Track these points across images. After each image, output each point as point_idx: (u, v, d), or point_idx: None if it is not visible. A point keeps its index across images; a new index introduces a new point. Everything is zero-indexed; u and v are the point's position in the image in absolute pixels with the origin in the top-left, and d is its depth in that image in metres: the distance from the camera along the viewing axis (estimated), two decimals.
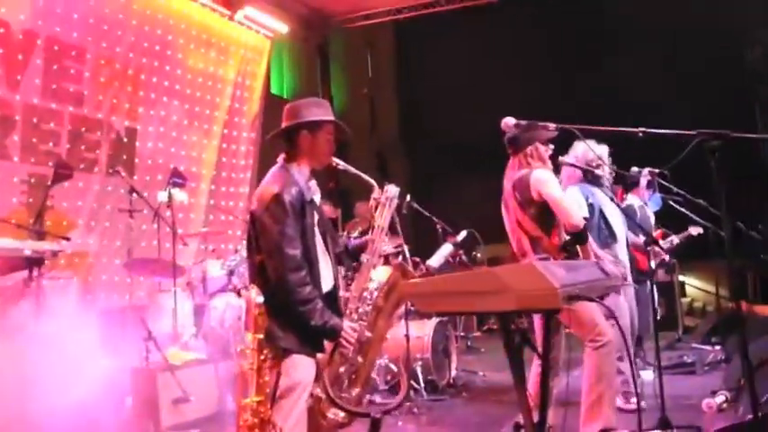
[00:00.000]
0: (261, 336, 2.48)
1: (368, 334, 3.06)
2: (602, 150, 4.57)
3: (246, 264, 6.65)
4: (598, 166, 4.53)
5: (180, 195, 6.69)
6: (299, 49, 14.96)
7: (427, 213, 6.30)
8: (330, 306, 2.99)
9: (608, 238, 4.78)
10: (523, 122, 3.22)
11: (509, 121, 3.34)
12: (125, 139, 8.05)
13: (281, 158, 3.15)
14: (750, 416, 2.78)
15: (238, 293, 5.92)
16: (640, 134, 2.74)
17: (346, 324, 2.98)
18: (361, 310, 3.09)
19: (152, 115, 8.43)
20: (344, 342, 2.95)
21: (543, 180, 3.85)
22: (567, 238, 3.82)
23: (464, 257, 3.67)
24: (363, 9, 11.32)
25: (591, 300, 2.23)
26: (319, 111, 3.15)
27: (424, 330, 5.94)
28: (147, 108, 8.37)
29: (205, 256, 6.85)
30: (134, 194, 6.12)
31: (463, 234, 3.55)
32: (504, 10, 11.21)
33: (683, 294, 10.66)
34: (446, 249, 3.38)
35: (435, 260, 3.35)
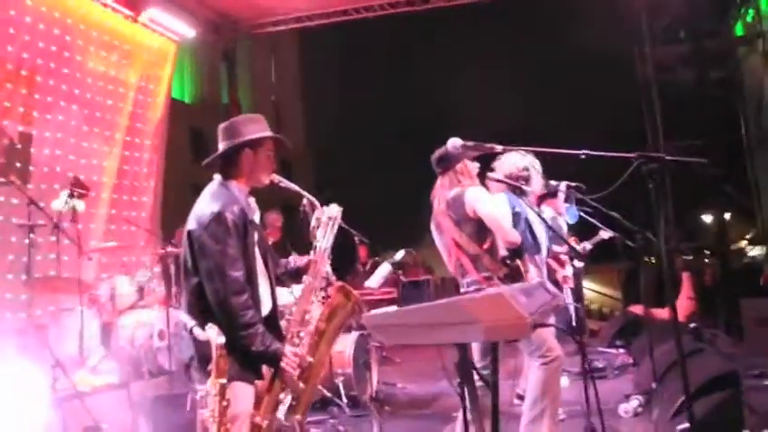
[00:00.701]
0: (223, 381, 2.33)
1: (309, 359, 2.97)
2: (532, 161, 4.64)
3: (162, 283, 6.38)
4: (525, 180, 4.61)
5: (80, 205, 6.30)
6: (202, 53, 14.57)
7: (345, 225, 6.23)
8: (270, 329, 2.89)
9: (533, 247, 4.89)
10: (470, 143, 3.22)
11: (456, 142, 3.32)
12: (19, 146, 7.47)
13: (217, 176, 3.01)
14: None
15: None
16: (582, 156, 2.80)
17: (288, 349, 2.87)
18: (302, 334, 2.99)
19: (49, 120, 7.89)
20: (286, 368, 2.85)
21: (478, 198, 3.87)
22: (506, 253, 3.87)
23: (402, 277, 3.63)
24: (271, 15, 11.11)
25: (552, 326, 2.25)
26: (257, 127, 3.03)
27: (344, 344, 5.87)
28: (43, 112, 7.82)
29: (113, 272, 6.48)
30: (31, 205, 5.68)
31: (401, 253, 3.51)
32: (414, 22, 11.32)
33: None
34: (384, 269, 3.32)
35: (374, 281, 3.28)
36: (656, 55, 12.03)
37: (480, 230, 3.86)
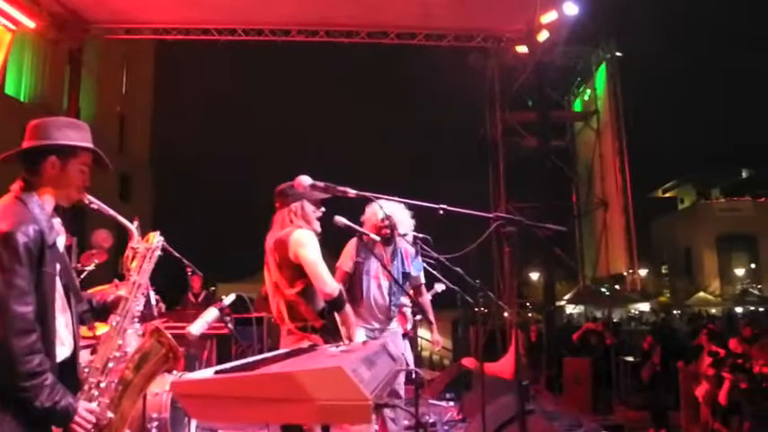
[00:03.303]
0: None
1: (110, 415, 2.44)
2: (403, 215, 4.42)
3: None
4: (383, 230, 4.38)
5: None
6: (46, 50, 13.29)
7: (176, 254, 5.66)
8: (65, 378, 2.34)
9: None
10: (320, 184, 2.89)
11: (304, 181, 2.97)
12: None
13: (15, 186, 2.43)
14: None
15: None
16: (441, 212, 2.58)
17: (82, 405, 2.33)
18: (103, 384, 2.46)
19: None
20: (78, 428, 2.31)
21: (302, 242, 3.49)
22: (323, 304, 3.53)
23: (230, 325, 3.21)
24: (127, 21, 10.32)
25: (393, 406, 1.94)
26: (75, 134, 2.50)
27: (161, 386, 5.24)
28: None
29: None
30: None
31: (231, 297, 3.09)
32: (282, 48, 10.95)
33: None
34: (210, 315, 2.88)
35: (197, 327, 2.83)
36: (505, 119, 12.52)
37: (299, 276, 3.50)
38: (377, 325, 4.67)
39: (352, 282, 4.68)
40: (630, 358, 9.62)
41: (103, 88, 16.50)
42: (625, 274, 15.93)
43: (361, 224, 4.48)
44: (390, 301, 4.68)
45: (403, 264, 4.79)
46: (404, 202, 2.76)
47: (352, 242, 4.71)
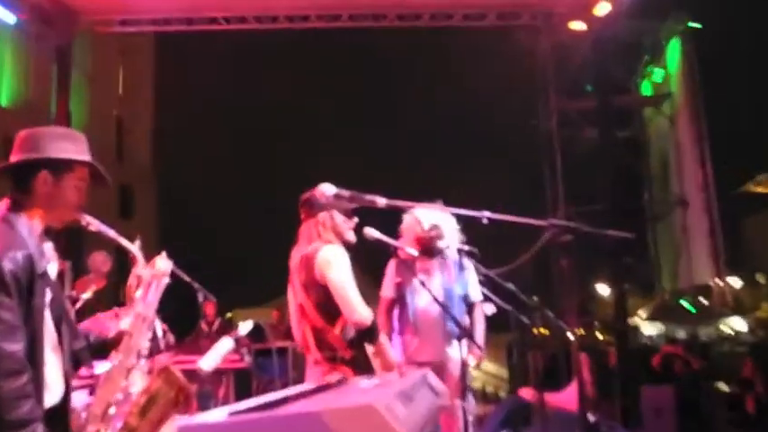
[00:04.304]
0: None
1: None
2: (446, 220, 4.38)
3: None
4: (430, 240, 4.38)
5: None
6: (30, 47, 13.62)
7: (186, 277, 5.75)
8: (55, 427, 2.38)
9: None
10: (345, 193, 2.90)
11: (327, 190, 2.98)
12: None
13: (2, 205, 2.49)
14: None
15: None
16: (485, 220, 2.58)
17: None
18: None
19: None
20: None
21: (329, 260, 3.46)
22: (353, 333, 3.50)
23: (247, 356, 3.22)
24: (121, 12, 10.53)
25: None
26: (70, 146, 2.55)
27: (172, 429, 5.32)
28: None
29: None
30: None
31: (248, 325, 3.10)
32: (300, 36, 11.10)
33: None
34: (224, 347, 2.90)
35: (208, 361, 2.85)
36: (561, 107, 12.41)
37: (330, 301, 3.46)
38: (434, 355, 4.59)
39: (400, 308, 4.68)
40: (725, 386, 9.42)
41: (97, 89, 16.86)
42: (712, 284, 15.68)
43: (397, 236, 4.47)
44: (445, 319, 4.60)
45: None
46: (442, 210, 2.77)
47: (391, 264, 4.69)
